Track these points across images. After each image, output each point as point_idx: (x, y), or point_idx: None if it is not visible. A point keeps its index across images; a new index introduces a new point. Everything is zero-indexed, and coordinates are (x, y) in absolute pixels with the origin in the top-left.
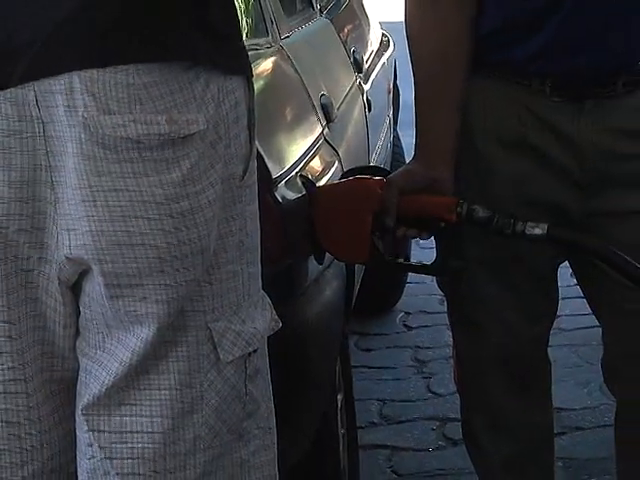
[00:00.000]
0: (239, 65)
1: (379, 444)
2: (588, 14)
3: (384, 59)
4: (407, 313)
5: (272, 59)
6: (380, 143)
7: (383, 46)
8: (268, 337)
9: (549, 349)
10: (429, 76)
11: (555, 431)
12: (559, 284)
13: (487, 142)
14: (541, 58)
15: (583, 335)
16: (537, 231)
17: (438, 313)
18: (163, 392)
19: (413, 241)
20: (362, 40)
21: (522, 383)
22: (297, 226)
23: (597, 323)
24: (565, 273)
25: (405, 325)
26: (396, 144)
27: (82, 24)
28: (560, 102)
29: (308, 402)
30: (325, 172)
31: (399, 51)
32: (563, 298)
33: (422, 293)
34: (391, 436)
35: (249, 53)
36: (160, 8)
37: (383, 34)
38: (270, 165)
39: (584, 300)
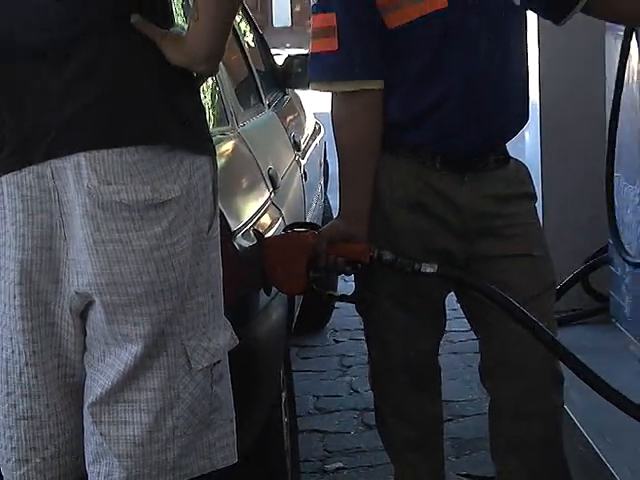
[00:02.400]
0: (205, 147)
1: (314, 429)
2: (466, 110)
3: (317, 141)
4: (335, 330)
5: (232, 142)
6: (314, 204)
7: (316, 131)
8: (229, 351)
9: (440, 356)
10: (348, 158)
11: (444, 418)
12: (447, 308)
13: (393, 205)
14: (432, 142)
15: (466, 345)
16: (430, 269)
17: (358, 330)
18: (149, 393)
19: (339, 277)
20: (300, 127)
21: (418, 382)
22: (250, 267)
23: (475, 336)
24: (452, 299)
25: (334, 339)
26: (326, 205)
27: (85, 120)
28: (447, 174)
29: (260, 398)
30: (272, 226)
31: (328, 134)
32: (450, 318)
33: (346, 315)
34: (323, 423)
35: (215, 138)
36: (147, 109)
37: (316, 122)
38: (230, 221)
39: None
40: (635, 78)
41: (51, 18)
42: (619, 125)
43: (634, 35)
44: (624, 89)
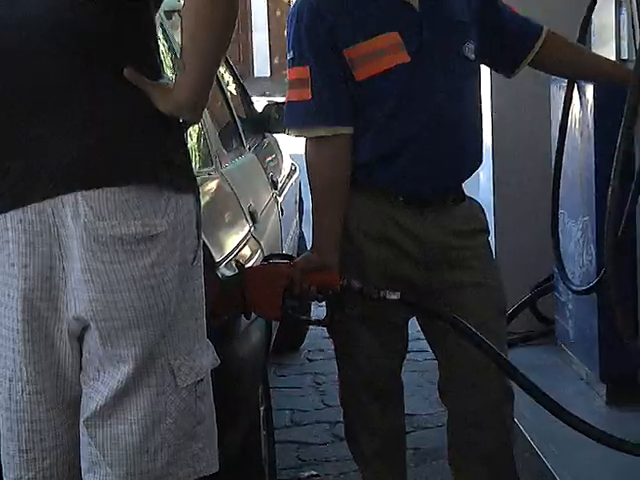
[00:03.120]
0: (190, 187)
1: (289, 440)
2: (426, 155)
3: (292, 180)
4: (309, 350)
5: (216, 181)
6: (289, 237)
7: (292, 171)
8: (212, 369)
9: (404, 374)
10: (320, 196)
11: (407, 429)
12: (410, 331)
13: (360, 238)
14: (396, 182)
15: (426, 364)
16: (394, 296)
17: (329, 350)
18: (139, 408)
19: (312, 303)
20: (277, 167)
21: (383, 398)
22: (232, 294)
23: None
24: (414, 323)
25: (307, 359)
26: (301, 238)
27: (82, 162)
28: (410, 211)
29: (240, 412)
30: (251, 257)
31: (302, 173)
32: (414, 339)
33: (319, 337)
34: (298, 435)
35: (200, 178)
36: (138, 152)
37: (292, 163)
38: (214, 253)
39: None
40: (577, 125)
41: (51, 68)
42: (563, 167)
43: (575, 86)
44: (567, 134)
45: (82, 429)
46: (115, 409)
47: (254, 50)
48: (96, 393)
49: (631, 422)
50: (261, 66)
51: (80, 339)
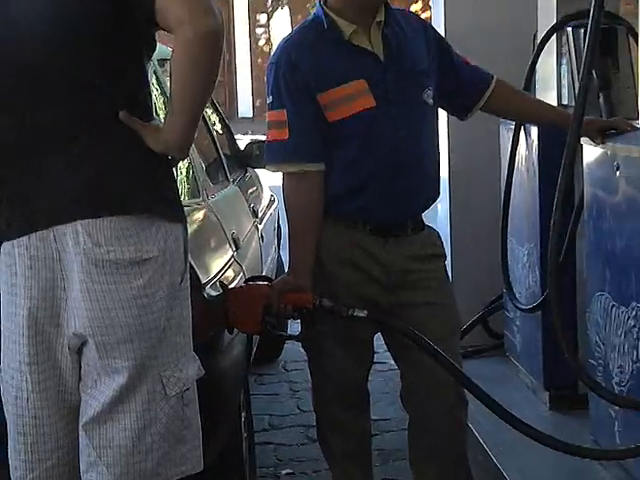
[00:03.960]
0: (178, 216)
1: (268, 442)
2: (389, 189)
3: (271, 209)
4: (286, 361)
5: (203, 211)
6: (269, 261)
7: (271, 201)
8: (197, 379)
9: (370, 382)
10: (295, 224)
11: (373, 432)
12: (375, 343)
13: (331, 262)
14: (362, 213)
15: (391, 374)
16: (361, 314)
17: (304, 362)
18: (132, 414)
19: (289, 320)
20: (258, 198)
21: (351, 404)
22: (216, 312)
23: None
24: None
25: (284, 369)
26: (279, 261)
27: (82, 195)
28: (374, 238)
29: (223, 417)
30: (234, 279)
31: (280, 204)
32: (380, 351)
33: (295, 350)
34: (275, 437)
35: (188, 208)
36: (132, 185)
37: (271, 194)
38: (200, 275)
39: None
40: (523, 162)
41: (56, 113)
42: (511, 199)
43: (522, 128)
44: (515, 170)
45: (81, 433)
46: (110, 415)
47: (238, 94)
48: (93, 400)
49: (572, 426)
50: (244, 108)
51: (79, 352)
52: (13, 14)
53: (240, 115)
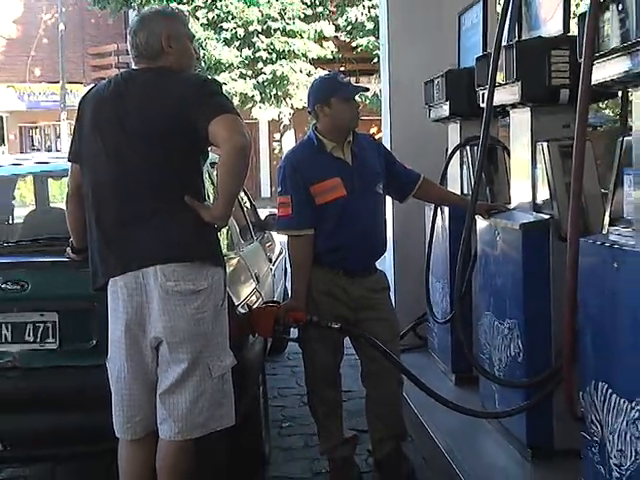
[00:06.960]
0: (220, 262)
1: (277, 405)
2: (357, 248)
3: (281, 257)
4: (289, 353)
5: (236, 259)
6: (278, 291)
7: (281, 252)
8: (232, 367)
9: (342, 367)
10: (295, 267)
11: (343, 400)
12: (346, 343)
13: (318, 293)
14: (338, 262)
15: (355, 362)
16: (336, 326)
17: (300, 354)
18: (190, 389)
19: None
20: (272, 250)
21: (329, 382)
22: (244, 323)
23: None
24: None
25: (288, 358)
26: (285, 291)
27: (159, 250)
28: (346, 278)
29: (248, 390)
30: (256, 302)
31: (285, 253)
32: (347, 347)
33: (295, 346)
34: (281, 402)
35: (227, 257)
36: (192, 243)
37: (281, 247)
38: (234, 299)
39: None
40: (439, 229)
41: (146, 198)
42: (432, 251)
43: (439, 208)
44: (434, 233)
45: (158, 399)
46: (176, 388)
47: (261, 182)
48: (166, 380)
49: (469, 397)
50: (265, 192)
51: (157, 349)
52: (128, 156)
53: (262, 196)
